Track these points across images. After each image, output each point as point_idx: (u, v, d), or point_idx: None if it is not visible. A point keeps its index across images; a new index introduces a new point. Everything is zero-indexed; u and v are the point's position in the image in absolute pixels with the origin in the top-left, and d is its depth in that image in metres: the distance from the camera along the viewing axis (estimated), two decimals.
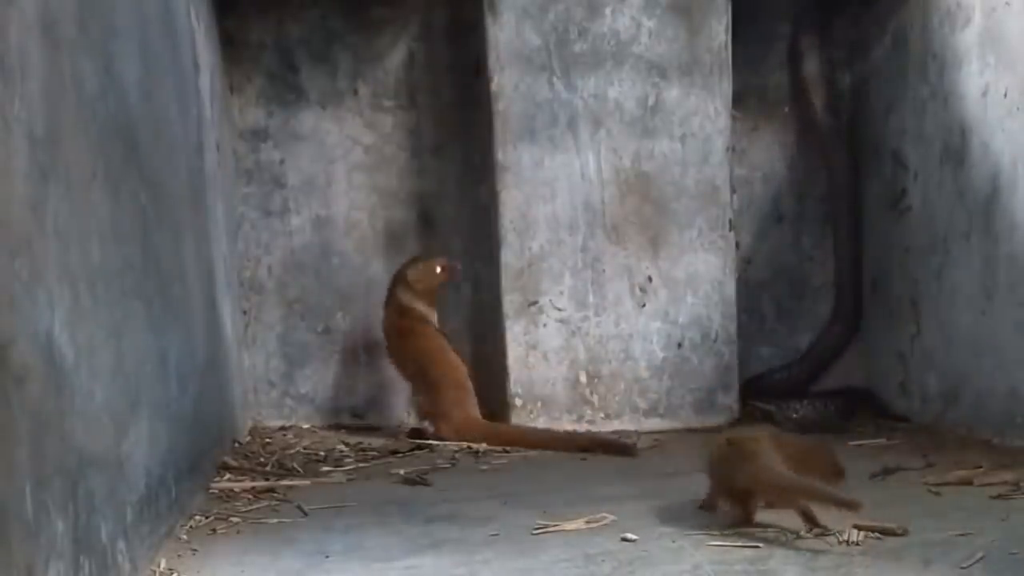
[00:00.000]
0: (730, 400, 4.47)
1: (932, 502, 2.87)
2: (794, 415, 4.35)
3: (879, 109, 4.64)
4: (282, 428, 4.57)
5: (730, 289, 4.48)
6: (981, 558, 2.24)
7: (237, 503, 3.04)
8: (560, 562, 2.35)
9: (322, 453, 3.91)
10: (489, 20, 4.35)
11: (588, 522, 2.69)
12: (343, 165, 4.71)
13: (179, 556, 2.43)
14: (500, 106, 4.36)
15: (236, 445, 3.94)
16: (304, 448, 4.03)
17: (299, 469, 3.56)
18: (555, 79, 4.37)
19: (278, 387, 4.72)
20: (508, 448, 4.00)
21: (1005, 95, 3.64)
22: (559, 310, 4.40)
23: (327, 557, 2.45)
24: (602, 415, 4.40)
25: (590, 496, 3.03)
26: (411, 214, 4.75)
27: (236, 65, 4.62)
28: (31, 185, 1.66)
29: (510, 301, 4.39)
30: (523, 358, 4.39)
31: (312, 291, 4.72)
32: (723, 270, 4.46)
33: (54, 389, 1.72)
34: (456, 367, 4.34)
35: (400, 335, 4.38)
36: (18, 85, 1.62)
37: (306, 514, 2.91)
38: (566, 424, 4.37)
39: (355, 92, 4.70)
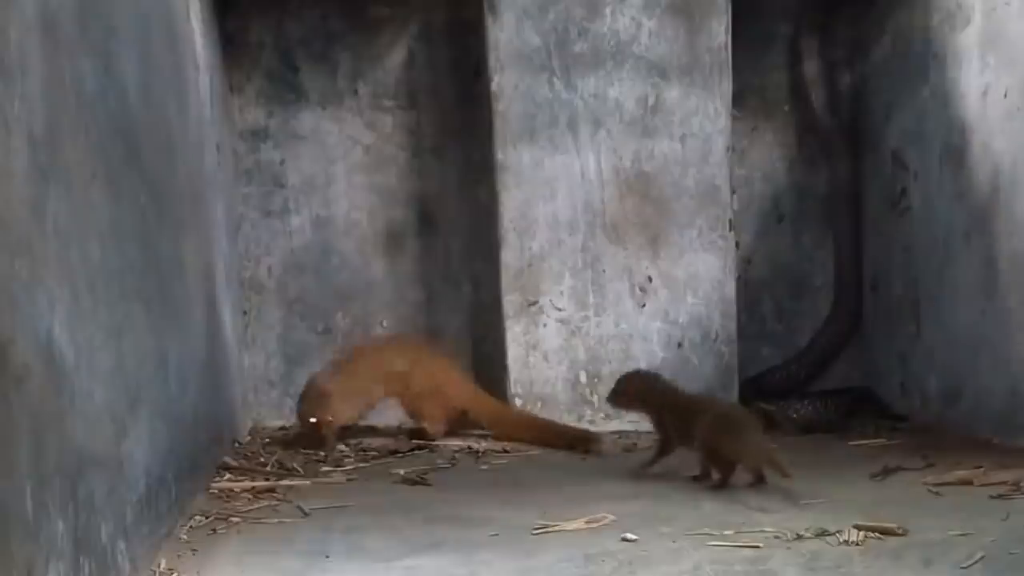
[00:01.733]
0: (730, 400, 4.47)
1: (932, 502, 2.87)
2: (794, 415, 4.35)
3: (879, 109, 4.64)
4: (282, 428, 4.57)
5: (730, 289, 4.48)
6: (981, 558, 2.24)
7: (237, 503, 3.03)
8: (560, 562, 2.35)
9: (322, 453, 3.91)
10: (489, 20, 4.35)
11: (588, 522, 2.69)
12: (343, 165, 4.72)
13: (179, 556, 2.43)
14: (500, 106, 4.36)
15: (236, 445, 3.94)
16: (304, 448, 4.03)
17: (299, 469, 3.56)
18: (555, 79, 4.37)
19: (278, 387, 4.72)
20: (507, 448, 4.00)
21: (1005, 95, 3.64)
22: (559, 310, 4.40)
23: (327, 557, 2.45)
24: (602, 415, 4.40)
25: (590, 496, 3.03)
26: (411, 214, 4.75)
27: (236, 65, 4.62)
28: (31, 185, 1.66)
29: (510, 301, 4.39)
30: (523, 358, 4.39)
31: (312, 291, 4.72)
32: (723, 270, 4.46)
33: (54, 389, 1.72)
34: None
35: None
36: (18, 85, 1.62)
37: (306, 514, 2.90)
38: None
39: (355, 92, 4.71)
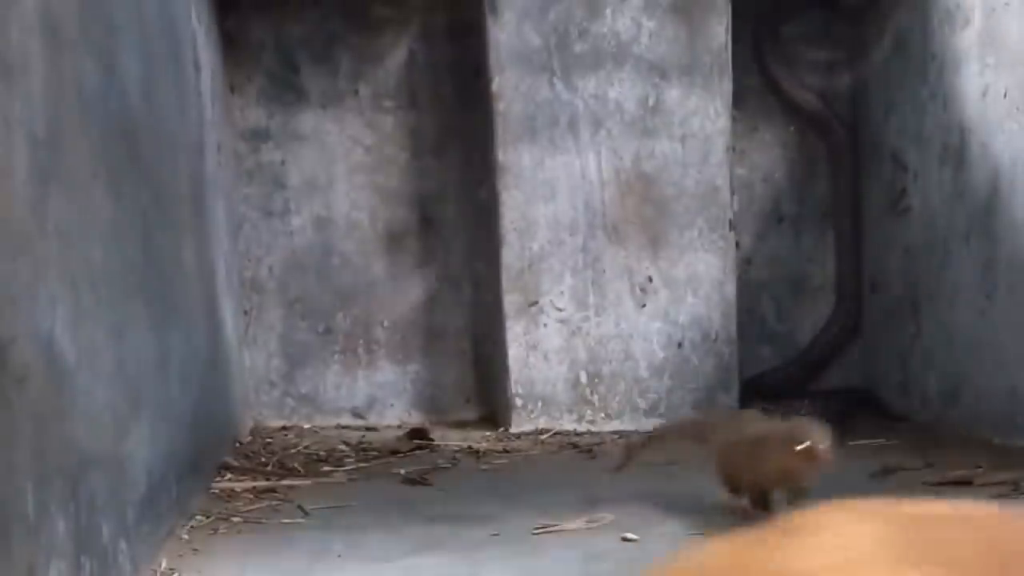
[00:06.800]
0: (730, 400, 4.47)
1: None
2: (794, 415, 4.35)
3: (879, 110, 4.64)
4: (283, 428, 4.57)
5: (730, 289, 4.48)
6: None
7: (238, 503, 3.04)
8: (560, 562, 2.35)
9: (323, 453, 3.92)
10: (490, 20, 4.35)
11: (588, 522, 2.69)
12: (344, 165, 4.72)
13: (180, 556, 2.44)
14: (500, 106, 4.36)
15: (237, 445, 3.94)
16: (305, 448, 4.03)
17: (300, 469, 3.56)
18: (555, 80, 4.37)
19: (279, 387, 4.73)
20: (507, 448, 4.01)
21: (1005, 96, 3.64)
22: (559, 310, 4.40)
23: (339, 556, 2.45)
24: (602, 415, 4.40)
25: (590, 496, 3.03)
26: (412, 214, 4.75)
27: (237, 65, 4.62)
28: (32, 185, 1.66)
29: (510, 301, 4.39)
30: (523, 358, 4.40)
31: (313, 291, 4.72)
32: (723, 270, 4.46)
33: (55, 389, 1.72)
34: None
35: None
36: (20, 86, 1.62)
37: (307, 514, 2.91)
38: (567, 424, 4.38)
39: (356, 92, 4.71)
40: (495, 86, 4.37)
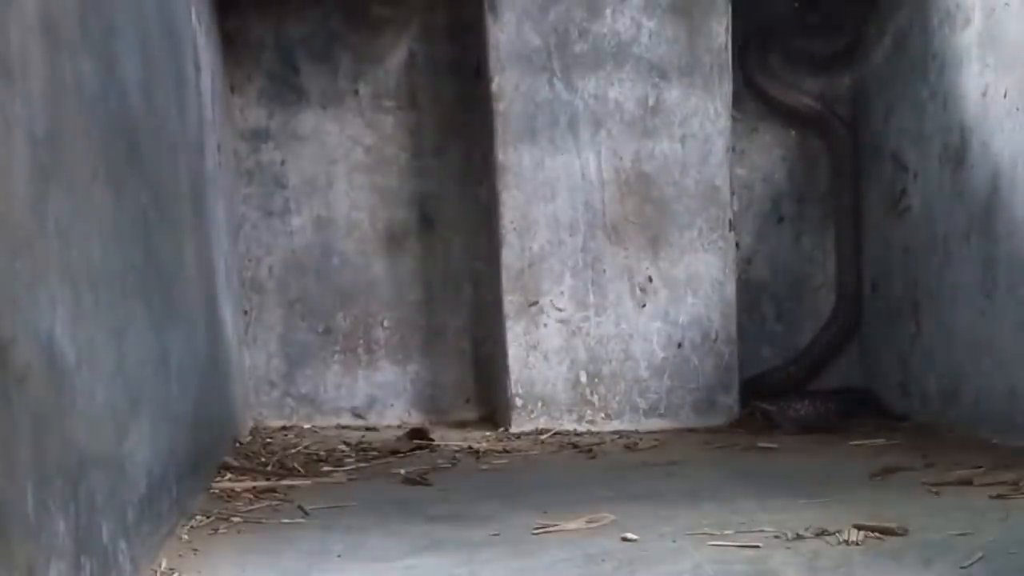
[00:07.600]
0: (730, 400, 4.48)
1: (932, 502, 2.87)
2: (794, 415, 4.36)
3: (879, 109, 4.64)
4: (283, 428, 4.58)
5: (730, 289, 4.48)
6: (981, 558, 2.24)
7: (238, 503, 3.04)
8: (560, 562, 2.35)
9: (323, 453, 3.92)
10: (490, 20, 4.35)
11: (588, 522, 2.69)
12: (344, 165, 4.72)
13: (180, 556, 2.44)
14: (500, 106, 4.37)
15: (237, 445, 3.95)
16: (305, 448, 4.03)
17: (300, 469, 3.56)
18: (555, 80, 4.38)
19: (279, 387, 4.73)
20: (507, 448, 4.00)
21: (1005, 95, 3.64)
22: (559, 310, 4.40)
23: (339, 556, 2.45)
24: (602, 415, 4.40)
25: (590, 496, 3.03)
26: (412, 214, 4.75)
27: (237, 65, 4.62)
28: (32, 185, 1.66)
29: (511, 301, 4.39)
30: (523, 358, 4.40)
31: (313, 291, 4.73)
32: (723, 270, 4.46)
33: (55, 389, 1.72)
34: None
35: None
36: (19, 85, 1.62)
37: (307, 514, 2.91)
38: (567, 424, 4.38)
39: (356, 92, 4.71)
40: (495, 86, 4.37)
